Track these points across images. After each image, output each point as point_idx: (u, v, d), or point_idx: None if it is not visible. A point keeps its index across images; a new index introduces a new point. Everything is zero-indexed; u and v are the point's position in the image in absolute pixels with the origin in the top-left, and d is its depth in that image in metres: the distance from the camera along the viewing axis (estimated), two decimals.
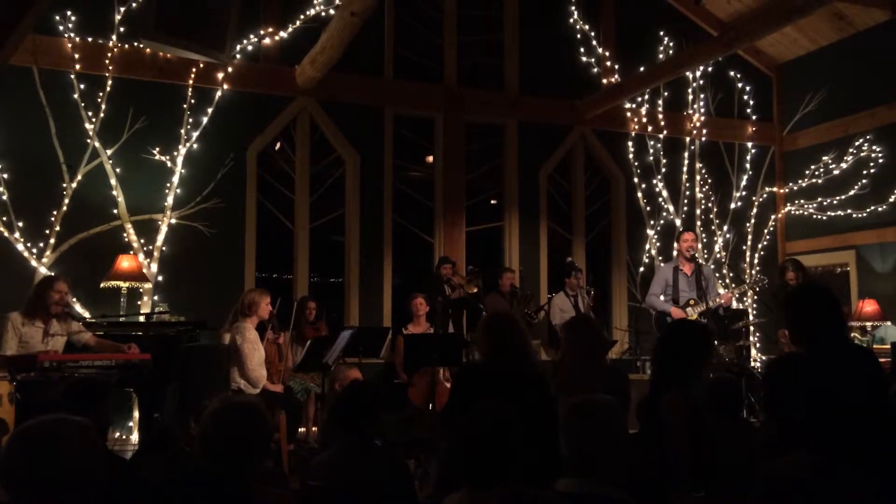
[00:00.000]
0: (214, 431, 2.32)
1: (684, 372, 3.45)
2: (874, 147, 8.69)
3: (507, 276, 7.80)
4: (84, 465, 1.93)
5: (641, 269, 9.01)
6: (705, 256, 9.20)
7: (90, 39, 7.06)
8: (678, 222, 9.15)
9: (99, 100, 7.03)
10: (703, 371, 3.70)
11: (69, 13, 6.96)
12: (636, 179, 9.15)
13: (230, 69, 7.45)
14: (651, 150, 9.20)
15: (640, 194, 9.16)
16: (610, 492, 2.29)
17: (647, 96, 9.11)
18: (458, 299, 7.49)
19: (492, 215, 8.90)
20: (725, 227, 9.46)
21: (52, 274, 6.28)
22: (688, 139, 9.39)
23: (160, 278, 7.18)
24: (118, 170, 7.10)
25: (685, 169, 9.37)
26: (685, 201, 9.35)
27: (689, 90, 9.41)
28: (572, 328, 4.20)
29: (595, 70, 9.06)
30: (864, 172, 8.73)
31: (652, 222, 9.20)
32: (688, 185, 9.37)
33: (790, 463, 1.81)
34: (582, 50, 9.02)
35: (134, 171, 7.17)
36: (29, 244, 6.79)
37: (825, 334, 2.89)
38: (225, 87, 7.48)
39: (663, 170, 9.25)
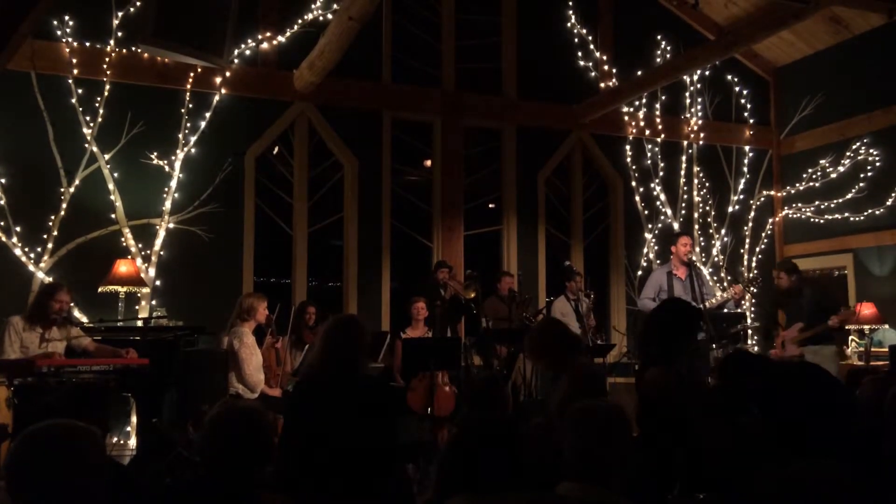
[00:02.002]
0: (215, 437, 2.31)
1: (668, 349, 3.48)
2: (871, 150, 8.71)
3: (505, 280, 7.80)
4: (90, 472, 1.92)
5: (640, 272, 9.01)
6: (703, 260, 9.21)
7: (88, 44, 7.06)
8: (676, 226, 9.16)
9: (97, 104, 7.03)
10: (689, 348, 3.73)
11: (67, 18, 6.96)
12: (634, 183, 9.16)
13: (228, 74, 7.45)
14: (649, 154, 9.22)
15: (637, 198, 9.17)
16: (612, 497, 2.28)
17: (644, 100, 9.12)
18: (452, 298, 7.48)
19: (490, 219, 8.91)
20: (723, 231, 9.47)
21: (56, 282, 6.25)
22: (685, 143, 9.41)
23: (158, 283, 7.18)
24: (116, 174, 7.10)
25: (683, 172, 9.38)
26: (683, 205, 9.36)
27: (687, 94, 9.43)
28: (542, 331, 4.21)
29: (593, 74, 9.07)
30: (862, 176, 8.76)
31: (650, 226, 9.20)
32: (685, 188, 9.38)
33: (799, 469, 1.81)
34: (580, 54, 9.03)
35: (132, 175, 7.16)
36: (27, 249, 6.78)
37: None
38: (223, 91, 7.48)
39: (661, 173, 9.26)
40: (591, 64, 9.08)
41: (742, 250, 9.56)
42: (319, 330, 3.63)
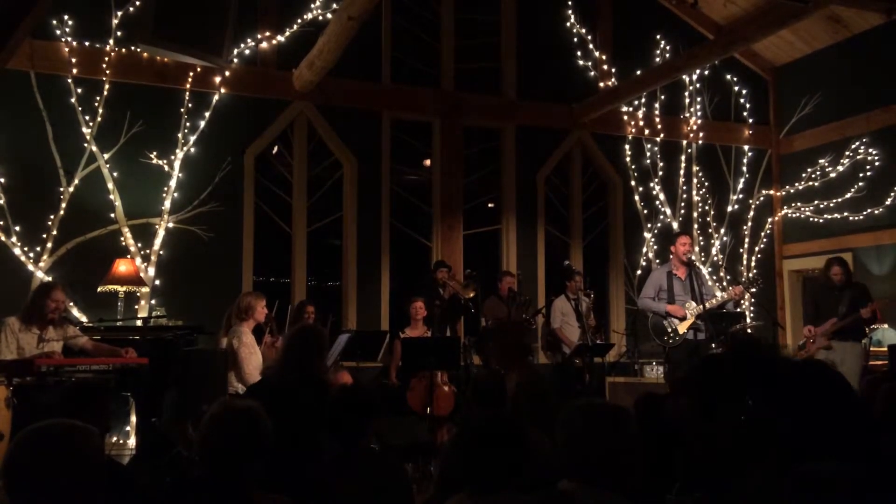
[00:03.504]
0: (214, 435, 2.32)
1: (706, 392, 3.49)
2: (870, 150, 8.72)
3: (506, 280, 7.79)
4: (87, 471, 1.92)
5: (639, 272, 9.01)
6: (702, 259, 9.21)
7: (87, 44, 7.05)
8: (675, 225, 9.17)
9: (96, 104, 7.03)
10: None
11: (66, 17, 6.96)
12: (633, 182, 9.16)
13: (227, 73, 7.45)
14: (648, 154, 9.22)
15: (637, 197, 9.17)
16: (611, 497, 2.28)
17: (643, 100, 9.12)
18: (451, 298, 7.49)
19: (489, 219, 8.91)
20: (722, 230, 9.48)
21: (50, 281, 6.25)
22: (684, 142, 9.41)
23: (157, 282, 7.18)
24: (115, 174, 7.09)
25: (682, 172, 9.38)
26: (682, 204, 9.36)
27: (686, 93, 9.43)
28: (494, 333, 4.29)
29: (592, 74, 9.07)
30: (861, 175, 8.76)
31: (649, 225, 9.21)
32: (685, 188, 9.39)
33: (822, 470, 1.82)
34: (579, 54, 9.03)
35: (131, 175, 7.16)
36: (26, 248, 6.78)
37: None
38: (222, 91, 7.48)
39: (660, 173, 9.26)
40: (590, 63, 9.08)
41: (741, 250, 9.56)
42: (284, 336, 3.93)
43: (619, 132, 9.15)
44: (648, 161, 9.22)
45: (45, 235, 6.86)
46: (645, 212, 9.20)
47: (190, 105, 7.38)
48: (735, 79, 9.66)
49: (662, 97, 9.28)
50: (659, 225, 9.22)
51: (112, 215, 7.10)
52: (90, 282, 6.66)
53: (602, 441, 2.32)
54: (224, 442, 2.30)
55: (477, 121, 8.72)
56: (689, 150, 9.44)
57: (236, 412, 2.37)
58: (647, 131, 9.21)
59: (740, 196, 9.59)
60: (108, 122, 7.06)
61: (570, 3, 8.99)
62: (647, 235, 9.19)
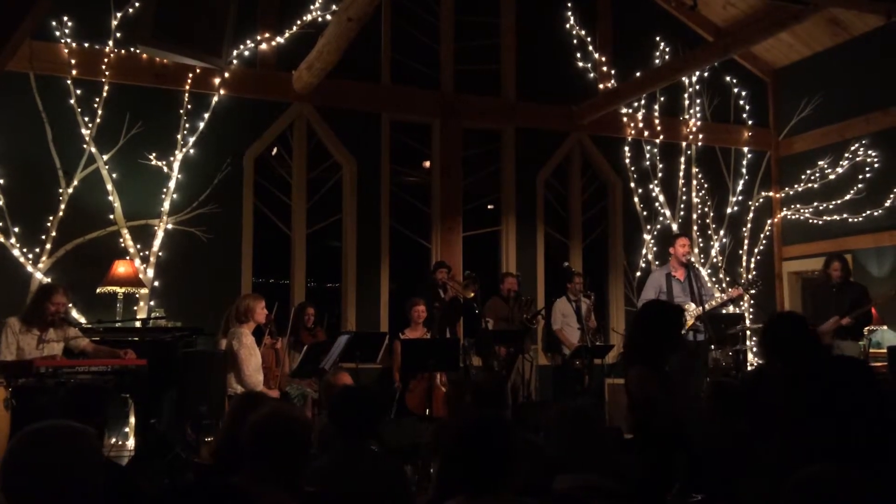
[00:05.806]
0: (267, 440, 2.38)
1: (652, 349, 3.55)
2: (870, 152, 8.72)
3: (507, 281, 7.81)
4: (85, 472, 1.92)
5: (638, 273, 9.01)
6: (702, 261, 9.21)
7: (87, 45, 7.05)
8: (675, 227, 9.17)
9: (95, 105, 7.02)
10: (673, 348, 3.75)
11: (66, 19, 6.96)
12: (633, 184, 9.16)
13: (227, 75, 7.45)
14: (647, 155, 9.22)
15: (636, 199, 9.17)
16: (606, 483, 2.36)
17: (643, 101, 9.12)
18: (452, 300, 7.49)
19: (489, 220, 8.90)
20: (722, 232, 9.48)
21: (52, 283, 6.24)
22: (684, 144, 9.41)
23: (156, 284, 7.17)
24: (114, 175, 7.09)
25: (681, 174, 9.39)
26: (682, 206, 9.36)
27: (685, 95, 9.43)
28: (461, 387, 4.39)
29: (591, 75, 9.07)
30: (860, 177, 8.76)
31: (648, 227, 9.21)
32: (684, 189, 9.39)
33: (820, 473, 1.82)
34: (578, 55, 9.04)
35: (130, 176, 7.16)
36: (25, 250, 6.77)
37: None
38: (221, 92, 7.48)
39: (660, 174, 9.27)
40: (589, 65, 9.08)
41: (741, 251, 9.57)
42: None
43: (618, 134, 9.16)
44: (648, 163, 9.22)
45: (44, 236, 6.85)
46: (644, 213, 9.20)
47: (189, 106, 7.37)
48: (734, 81, 9.67)
49: (662, 99, 9.28)
50: (658, 226, 9.22)
51: (111, 216, 7.09)
52: (89, 283, 6.65)
53: (581, 434, 2.59)
54: (275, 447, 2.42)
55: (476, 122, 8.71)
56: (689, 152, 9.44)
57: (288, 419, 2.49)
58: (646, 133, 9.21)
59: (740, 198, 9.60)
60: (107, 124, 7.06)
61: (569, 4, 9.00)
62: (647, 237, 9.19)
